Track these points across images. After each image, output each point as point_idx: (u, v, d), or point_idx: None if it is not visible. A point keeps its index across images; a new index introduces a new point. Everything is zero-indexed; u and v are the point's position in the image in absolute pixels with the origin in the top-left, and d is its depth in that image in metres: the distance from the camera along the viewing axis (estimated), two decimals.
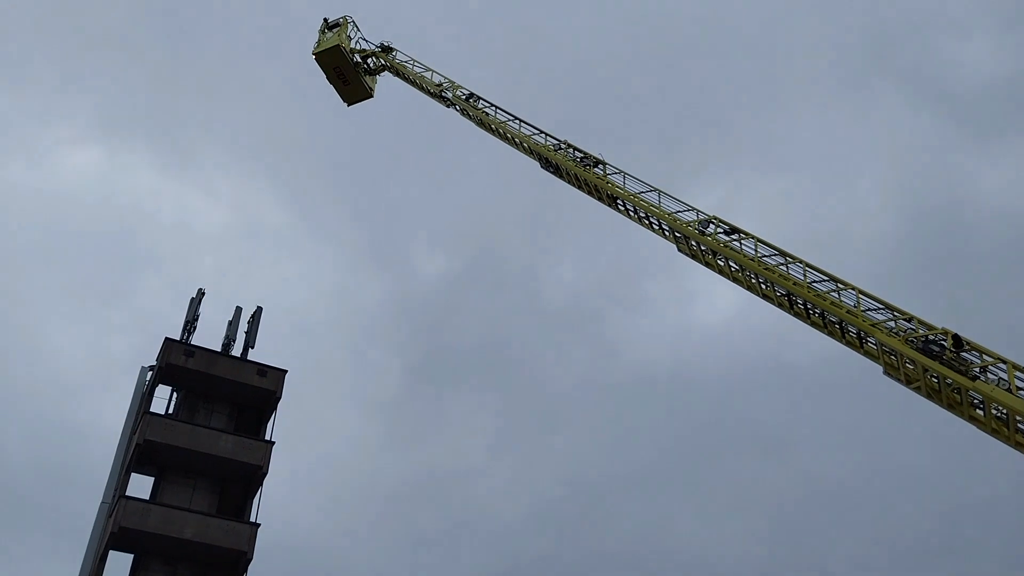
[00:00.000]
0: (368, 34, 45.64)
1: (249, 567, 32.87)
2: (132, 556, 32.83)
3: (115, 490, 33.49)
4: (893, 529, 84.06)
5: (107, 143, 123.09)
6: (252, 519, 33.96)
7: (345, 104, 46.82)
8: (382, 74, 45.51)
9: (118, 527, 31.28)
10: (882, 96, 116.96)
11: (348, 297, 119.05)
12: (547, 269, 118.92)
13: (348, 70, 44.83)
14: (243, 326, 39.07)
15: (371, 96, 46.27)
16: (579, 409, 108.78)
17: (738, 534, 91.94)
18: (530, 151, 35.66)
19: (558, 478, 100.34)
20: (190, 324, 37.91)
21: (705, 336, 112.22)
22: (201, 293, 39.20)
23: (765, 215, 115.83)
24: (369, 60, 45.19)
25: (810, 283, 25.05)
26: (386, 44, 44.49)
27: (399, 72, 43.41)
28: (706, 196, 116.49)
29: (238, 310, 39.55)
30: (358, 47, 45.15)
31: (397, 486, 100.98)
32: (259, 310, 39.43)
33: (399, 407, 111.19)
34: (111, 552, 32.16)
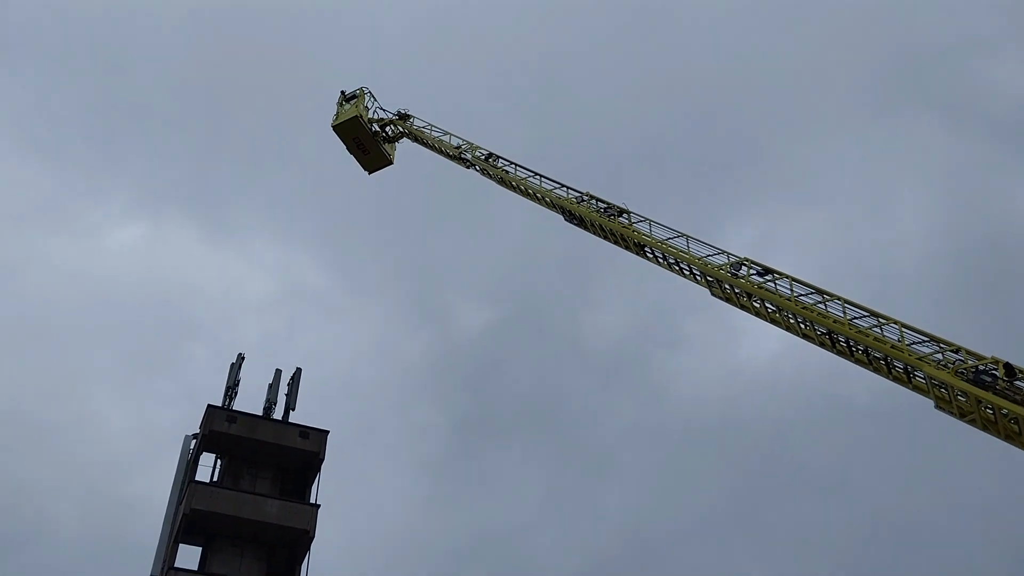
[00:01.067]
0: (389, 100, 46.20)
1: None
2: None
3: (163, 562, 33.38)
4: (960, 564, 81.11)
5: (150, 217, 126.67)
6: None
7: (366, 173, 47.31)
8: (401, 141, 45.95)
9: None
10: (916, 121, 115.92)
11: (391, 355, 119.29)
12: (589, 315, 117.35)
13: (367, 139, 45.31)
14: (283, 388, 39.16)
15: (391, 163, 46.65)
16: (629, 457, 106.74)
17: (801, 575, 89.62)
18: (553, 205, 35.63)
19: (612, 531, 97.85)
20: (231, 390, 38.15)
21: (754, 374, 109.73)
22: (241, 358, 39.42)
23: (805, 249, 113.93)
24: (387, 128, 45.66)
25: (851, 320, 24.58)
26: (403, 111, 44.98)
27: (417, 138, 43.80)
28: (742, 233, 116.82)
29: (277, 373, 39.73)
30: (376, 116, 45.68)
31: (447, 546, 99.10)
32: (298, 372, 39.53)
33: (446, 464, 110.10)
34: None
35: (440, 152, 41.97)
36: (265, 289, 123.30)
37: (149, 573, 33.39)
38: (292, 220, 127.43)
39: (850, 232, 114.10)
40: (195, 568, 33.27)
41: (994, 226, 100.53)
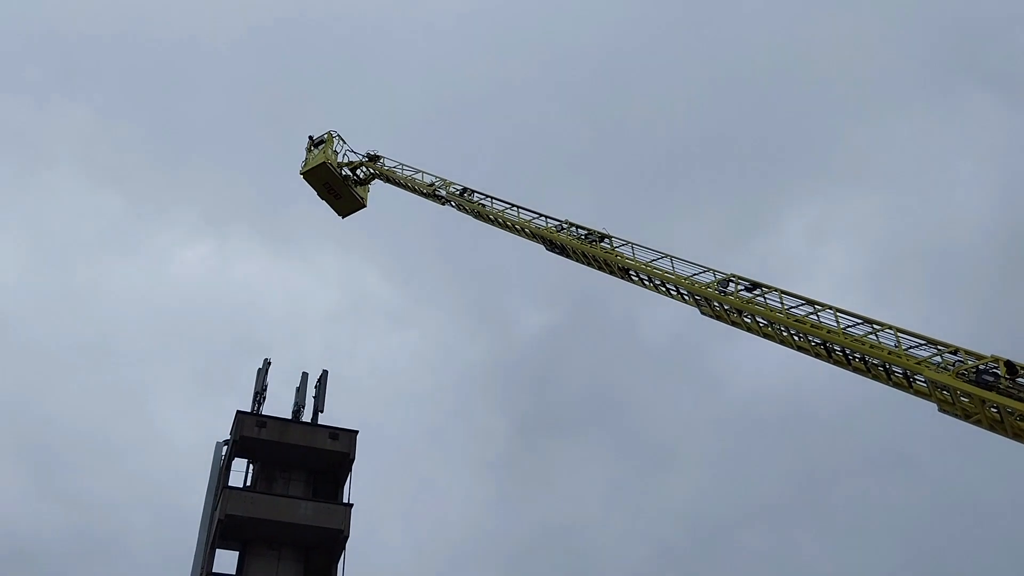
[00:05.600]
0: (361, 142, 46.10)
1: None
2: None
3: (201, 568, 33.56)
4: None
5: (216, 236, 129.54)
6: None
7: (340, 217, 46.95)
8: (373, 182, 45.69)
9: None
10: (972, 98, 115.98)
11: (452, 360, 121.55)
12: (645, 311, 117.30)
13: (337, 184, 45.01)
14: (311, 391, 39.14)
15: (364, 206, 46.39)
16: (690, 448, 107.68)
17: (866, 555, 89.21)
18: (532, 235, 35.43)
19: (675, 520, 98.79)
20: (259, 395, 38.24)
21: (812, 360, 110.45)
22: (267, 363, 39.60)
23: (861, 233, 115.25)
24: (358, 171, 45.41)
25: (844, 328, 24.45)
26: (372, 153, 44.79)
27: (389, 178, 43.57)
28: (800, 219, 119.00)
29: (304, 376, 39.68)
30: (345, 160, 45.40)
31: (512, 545, 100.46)
32: (325, 373, 39.58)
33: (508, 465, 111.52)
34: None
35: (413, 191, 41.73)
36: (329, 301, 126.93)
37: None
38: (353, 231, 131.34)
39: (906, 214, 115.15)
40: (233, 573, 33.59)
41: None
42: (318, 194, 45.66)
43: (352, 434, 36.91)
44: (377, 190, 46.32)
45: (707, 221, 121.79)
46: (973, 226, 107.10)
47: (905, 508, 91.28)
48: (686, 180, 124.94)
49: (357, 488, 36.44)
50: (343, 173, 45.13)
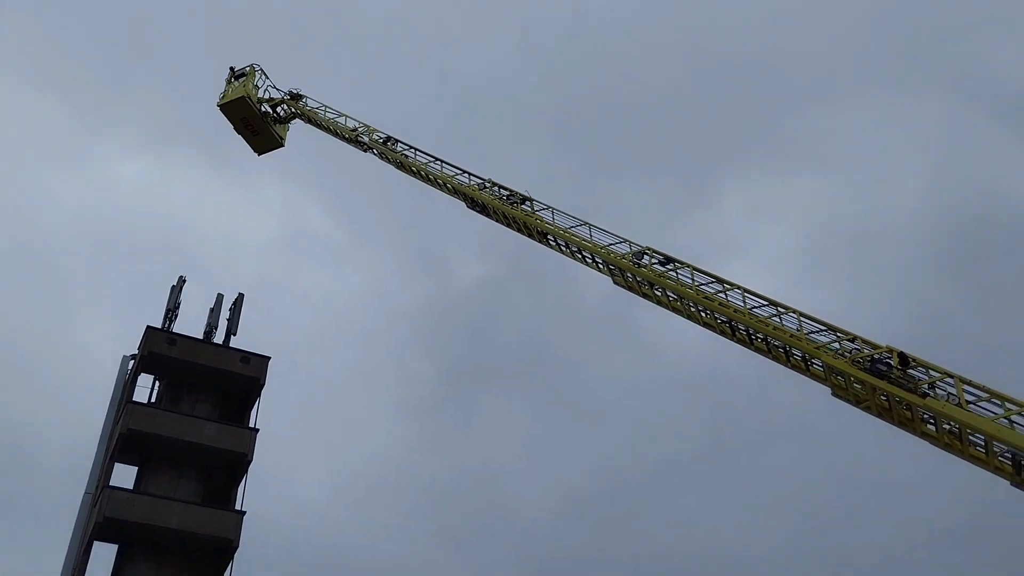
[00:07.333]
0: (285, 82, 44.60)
1: (235, 555, 32.68)
2: (117, 546, 32.51)
3: (99, 480, 33.27)
4: (928, 514, 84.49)
5: (157, 152, 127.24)
6: (238, 507, 33.81)
7: (256, 154, 45.69)
8: (293, 122, 44.53)
9: (103, 517, 30.97)
10: (924, 96, 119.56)
11: (389, 302, 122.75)
12: (582, 269, 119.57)
13: (255, 120, 43.70)
14: (225, 313, 38.71)
15: (282, 145, 45.28)
16: (615, 408, 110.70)
17: (761, 516, 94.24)
18: (455, 191, 35.23)
19: (593, 475, 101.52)
20: (171, 312, 37.63)
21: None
22: (182, 280, 38.94)
23: (800, 214, 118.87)
24: (278, 108, 44.16)
25: (750, 309, 25.15)
26: (295, 91, 43.55)
27: (311, 119, 42.53)
28: (741, 195, 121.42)
29: (219, 297, 39.14)
30: (266, 96, 44.07)
31: (429, 485, 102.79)
32: (241, 296, 39.23)
33: (434, 409, 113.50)
34: (96, 542, 31.98)
35: (335, 134, 40.89)
36: (267, 231, 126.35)
37: (84, 490, 33.38)
38: (299, 163, 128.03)
39: (843, 201, 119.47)
40: (131, 487, 33.42)
41: (984, 203, 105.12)
42: (234, 128, 44.26)
43: (264, 360, 36.75)
44: (298, 131, 45.22)
45: (657, 190, 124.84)
46: (904, 218, 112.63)
47: (803, 477, 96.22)
48: (641, 146, 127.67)
49: (275, 417, 36.57)
50: (262, 109, 43.82)
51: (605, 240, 29.81)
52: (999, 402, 19.74)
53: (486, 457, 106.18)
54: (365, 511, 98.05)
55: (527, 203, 32.66)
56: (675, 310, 27.42)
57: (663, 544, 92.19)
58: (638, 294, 28.80)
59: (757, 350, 25.13)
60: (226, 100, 43.57)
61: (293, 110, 43.63)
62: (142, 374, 35.81)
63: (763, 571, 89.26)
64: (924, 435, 20.94)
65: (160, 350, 35.43)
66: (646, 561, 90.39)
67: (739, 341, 25.61)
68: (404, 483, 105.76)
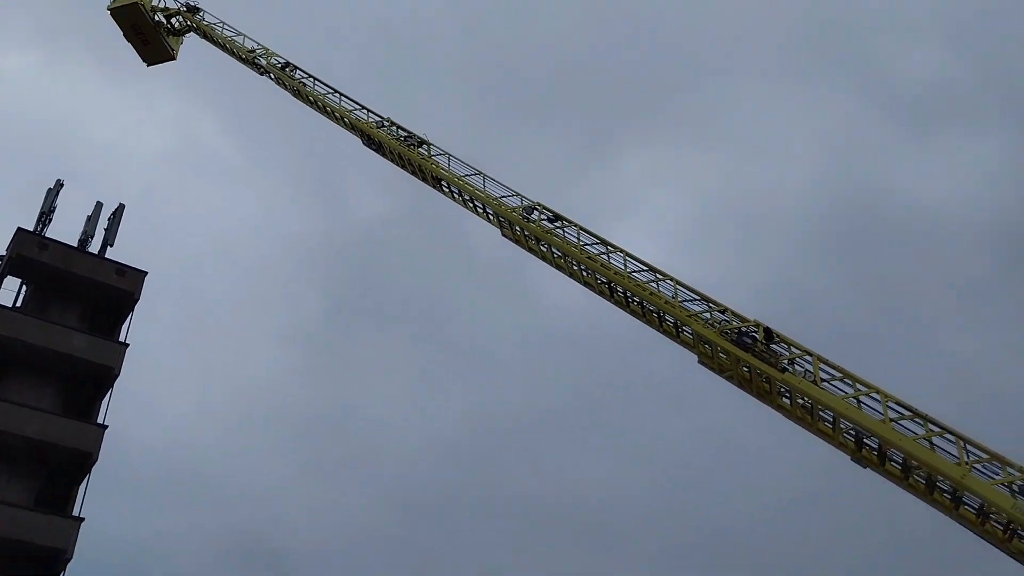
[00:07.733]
0: None
1: (93, 468, 31.86)
2: None
3: None
4: (785, 481, 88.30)
5: (46, 47, 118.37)
6: (100, 421, 32.79)
7: (145, 64, 43.52)
8: (188, 35, 42.54)
9: None
10: (827, 88, 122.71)
11: (280, 228, 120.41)
12: (478, 219, 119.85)
13: (147, 29, 41.55)
14: (103, 223, 36.73)
15: (173, 58, 43.16)
16: (496, 358, 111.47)
17: (628, 470, 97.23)
18: (352, 127, 34.48)
19: (467, 423, 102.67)
20: (45, 216, 35.62)
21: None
22: (59, 184, 36.82)
23: (693, 183, 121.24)
24: (173, 20, 42.10)
25: (630, 272, 25.68)
26: (192, 4, 41.57)
27: (207, 34, 40.75)
28: (635, 160, 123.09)
29: (98, 205, 37.24)
30: (161, 5, 41.93)
31: (302, 419, 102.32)
32: (121, 207, 37.42)
33: (317, 342, 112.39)
34: None
35: (231, 54, 39.30)
36: (161, 142, 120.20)
37: None
38: (199, 79, 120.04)
39: (737, 176, 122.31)
40: None
41: (871, 197, 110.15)
42: (124, 35, 41.98)
43: (141, 274, 35.51)
44: (197, 46, 43.18)
45: (559, 147, 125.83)
46: (793, 201, 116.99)
47: (669, 438, 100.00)
48: (548, 105, 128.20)
49: (150, 334, 35.45)
50: (156, 19, 41.68)
51: (498, 192, 29.82)
52: (851, 382, 20.86)
53: (364, 396, 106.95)
54: (234, 437, 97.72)
55: (424, 146, 32.28)
56: (558, 267, 27.76)
57: (529, 493, 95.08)
58: (524, 248, 29.00)
59: (632, 313, 25.74)
60: (117, 4, 41.24)
61: (189, 23, 41.69)
62: (8, 276, 34.12)
63: (626, 523, 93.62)
64: (779, 407, 21.97)
65: (30, 254, 33.70)
66: (511, 508, 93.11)
67: (616, 303, 26.18)
68: (278, 414, 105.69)
